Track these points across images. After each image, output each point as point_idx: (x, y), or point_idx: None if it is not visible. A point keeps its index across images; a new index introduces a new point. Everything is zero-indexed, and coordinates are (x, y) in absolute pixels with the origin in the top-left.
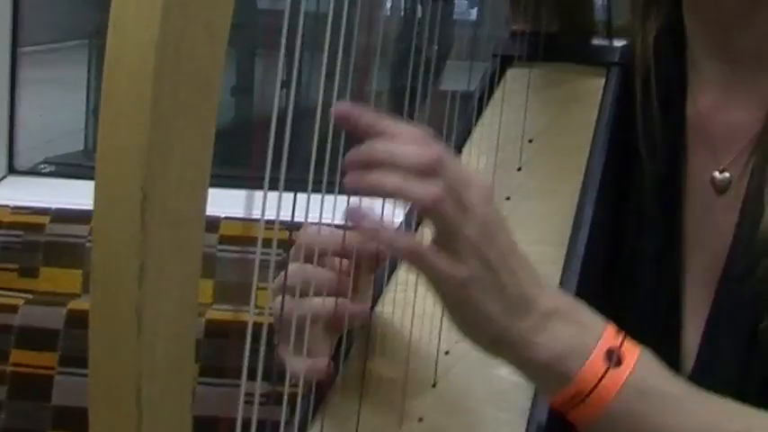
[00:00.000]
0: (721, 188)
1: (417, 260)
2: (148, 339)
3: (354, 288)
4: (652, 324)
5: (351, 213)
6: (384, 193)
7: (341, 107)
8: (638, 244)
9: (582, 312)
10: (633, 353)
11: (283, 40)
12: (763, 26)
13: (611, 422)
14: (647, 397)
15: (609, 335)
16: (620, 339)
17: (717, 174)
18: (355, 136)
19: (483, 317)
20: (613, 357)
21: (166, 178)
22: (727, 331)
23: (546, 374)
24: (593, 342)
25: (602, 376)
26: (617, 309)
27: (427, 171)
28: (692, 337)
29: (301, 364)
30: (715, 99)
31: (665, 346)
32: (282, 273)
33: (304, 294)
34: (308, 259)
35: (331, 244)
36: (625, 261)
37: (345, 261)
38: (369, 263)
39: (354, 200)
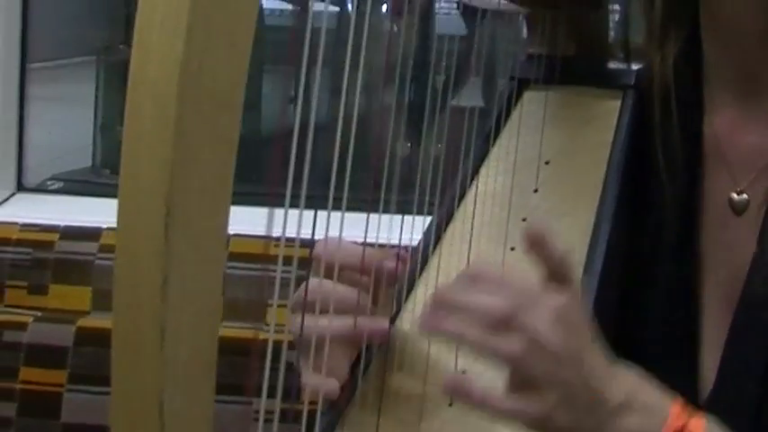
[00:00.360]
0: (739, 209)
1: (507, 415)
2: (171, 353)
3: (374, 302)
4: (669, 348)
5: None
6: (465, 344)
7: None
8: (654, 265)
9: (647, 394)
10: (699, 427)
11: (305, 56)
12: None
13: None
14: None
15: (675, 414)
16: (687, 416)
17: (735, 195)
18: None
19: (556, 427)
20: None
21: (190, 194)
22: (745, 358)
23: None
24: (660, 427)
25: None
26: (632, 330)
27: (505, 324)
28: (710, 363)
29: (317, 381)
30: (732, 120)
31: (681, 370)
32: (302, 287)
33: (323, 311)
34: (328, 273)
35: (350, 258)
36: (641, 283)
37: (365, 276)
38: (388, 278)
39: None
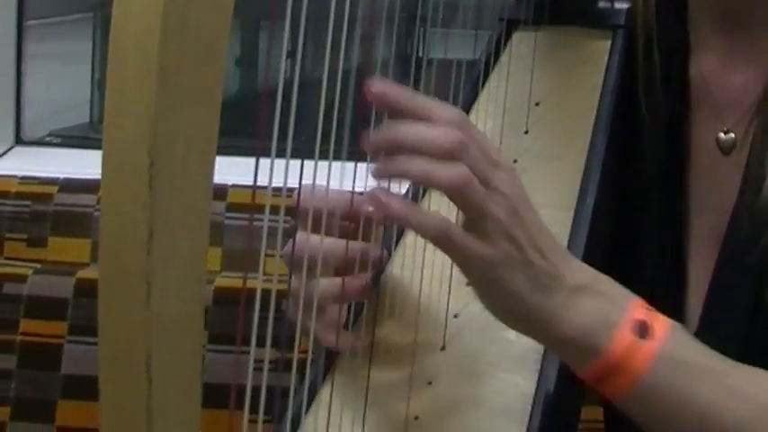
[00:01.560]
0: (726, 149)
1: (446, 242)
2: (158, 306)
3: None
4: (656, 286)
5: (373, 196)
6: (410, 179)
7: (376, 85)
8: (642, 206)
9: (609, 286)
10: (663, 325)
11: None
12: None
13: (643, 394)
14: (679, 368)
15: (637, 307)
16: (650, 312)
17: (722, 135)
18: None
19: (512, 296)
20: (642, 330)
21: (174, 145)
22: (731, 296)
23: (575, 350)
24: (620, 315)
25: (632, 349)
26: (622, 271)
27: (451, 154)
28: (696, 300)
29: (323, 335)
30: (718, 61)
31: (668, 308)
32: (289, 242)
33: (312, 267)
34: (316, 223)
35: (337, 205)
36: (630, 224)
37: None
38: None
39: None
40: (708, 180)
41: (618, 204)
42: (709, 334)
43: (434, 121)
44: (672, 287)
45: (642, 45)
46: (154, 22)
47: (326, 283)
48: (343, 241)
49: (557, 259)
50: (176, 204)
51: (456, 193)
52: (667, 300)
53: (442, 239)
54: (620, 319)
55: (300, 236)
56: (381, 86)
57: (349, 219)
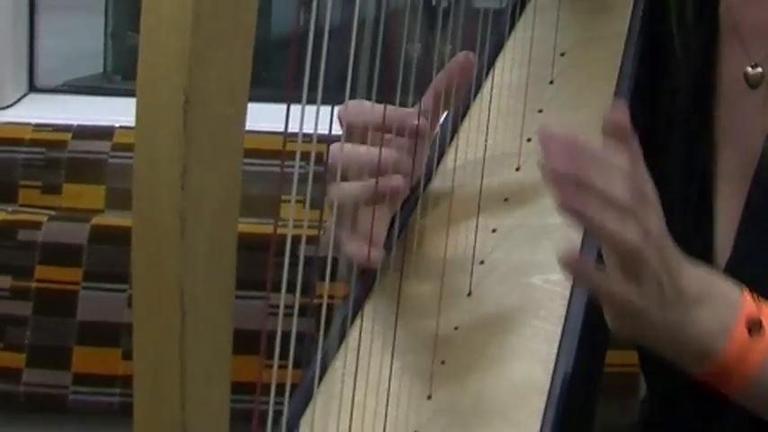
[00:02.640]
0: (754, 83)
1: (606, 294)
2: (191, 241)
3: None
4: (684, 218)
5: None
6: (586, 225)
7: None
8: (669, 142)
9: (719, 286)
10: None
11: None
12: None
13: (758, 387)
14: None
15: (746, 301)
16: (759, 305)
17: (749, 69)
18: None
19: (642, 317)
20: (754, 325)
21: (208, 82)
22: (763, 225)
23: (694, 354)
24: (734, 314)
25: (746, 347)
26: None
27: (629, 211)
28: (725, 231)
29: (357, 248)
30: None
31: (696, 239)
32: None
33: (351, 175)
34: (351, 134)
35: (372, 117)
36: (656, 161)
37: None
38: (410, 134)
39: None
40: (736, 113)
41: (645, 146)
42: (743, 261)
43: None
44: (700, 217)
45: None
46: None
47: (359, 185)
48: (377, 149)
49: (679, 274)
50: (210, 142)
51: (634, 253)
52: (696, 229)
53: (603, 293)
54: (735, 318)
55: (334, 146)
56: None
57: (384, 130)
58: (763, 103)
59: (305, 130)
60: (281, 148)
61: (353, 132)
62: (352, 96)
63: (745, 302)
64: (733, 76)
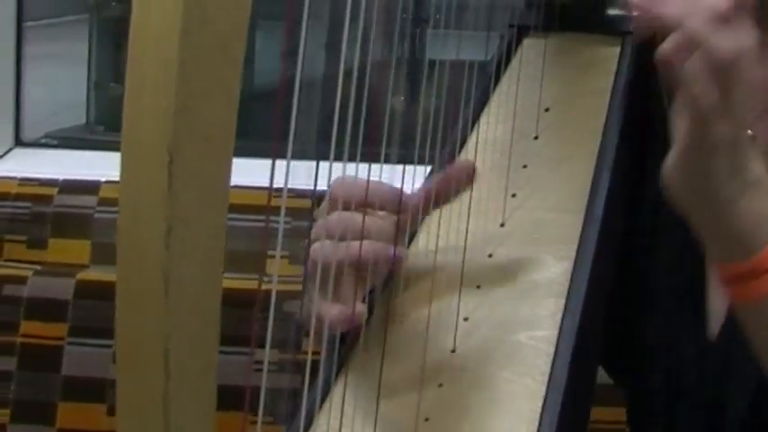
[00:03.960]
0: None
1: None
2: (175, 301)
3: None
4: (675, 288)
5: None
6: (673, 27)
7: None
8: (658, 210)
9: None
10: None
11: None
12: None
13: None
14: None
15: None
16: None
17: None
18: None
19: (709, 171)
20: None
21: (193, 140)
22: None
23: (733, 239)
24: None
25: None
26: (637, 273)
27: (726, 20)
28: (717, 301)
29: (333, 311)
30: None
31: (687, 310)
32: (321, 221)
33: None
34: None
35: (370, 195)
36: (644, 228)
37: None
38: (413, 213)
39: None
40: None
41: (631, 206)
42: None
43: None
44: (692, 288)
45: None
46: (174, 18)
47: (355, 247)
48: (375, 218)
49: (746, 149)
50: (194, 200)
51: (727, 66)
52: (687, 299)
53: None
54: None
55: (333, 213)
56: None
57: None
58: None
59: (290, 185)
60: (266, 203)
61: (347, 208)
62: (337, 149)
63: None
64: None
